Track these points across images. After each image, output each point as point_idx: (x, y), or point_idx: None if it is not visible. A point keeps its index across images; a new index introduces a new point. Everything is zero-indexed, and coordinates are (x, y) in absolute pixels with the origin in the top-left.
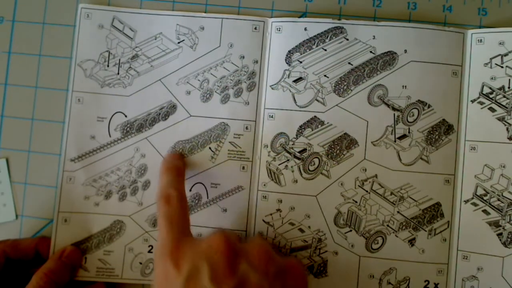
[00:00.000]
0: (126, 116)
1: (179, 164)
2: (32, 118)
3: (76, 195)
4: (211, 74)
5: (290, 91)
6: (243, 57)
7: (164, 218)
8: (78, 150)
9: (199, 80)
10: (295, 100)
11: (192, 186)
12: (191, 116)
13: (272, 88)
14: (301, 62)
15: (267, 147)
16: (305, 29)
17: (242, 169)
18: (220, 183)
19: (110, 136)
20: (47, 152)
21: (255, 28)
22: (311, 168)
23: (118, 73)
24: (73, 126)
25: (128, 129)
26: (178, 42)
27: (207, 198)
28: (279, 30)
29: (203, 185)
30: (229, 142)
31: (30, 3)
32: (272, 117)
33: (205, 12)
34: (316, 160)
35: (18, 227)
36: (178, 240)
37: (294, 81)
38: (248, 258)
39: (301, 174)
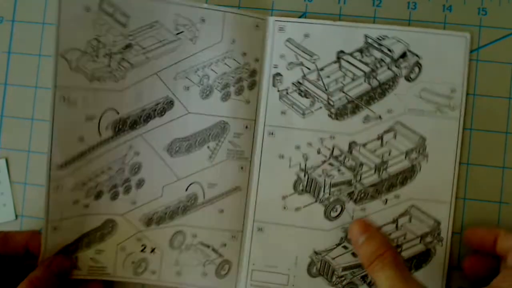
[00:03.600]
0: (118, 113)
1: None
2: (32, 118)
3: (64, 202)
4: (212, 69)
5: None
6: (245, 54)
7: None
8: (65, 155)
9: (198, 75)
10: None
11: (188, 186)
12: (189, 113)
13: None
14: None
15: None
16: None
17: (241, 169)
18: (218, 183)
19: (100, 135)
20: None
21: (257, 26)
22: None
23: (109, 65)
24: (59, 129)
25: (120, 126)
26: (177, 34)
27: (204, 198)
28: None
29: (200, 185)
30: (229, 141)
31: (30, 3)
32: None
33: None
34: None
35: (18, 227)
36: None
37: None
38: None
39: None
